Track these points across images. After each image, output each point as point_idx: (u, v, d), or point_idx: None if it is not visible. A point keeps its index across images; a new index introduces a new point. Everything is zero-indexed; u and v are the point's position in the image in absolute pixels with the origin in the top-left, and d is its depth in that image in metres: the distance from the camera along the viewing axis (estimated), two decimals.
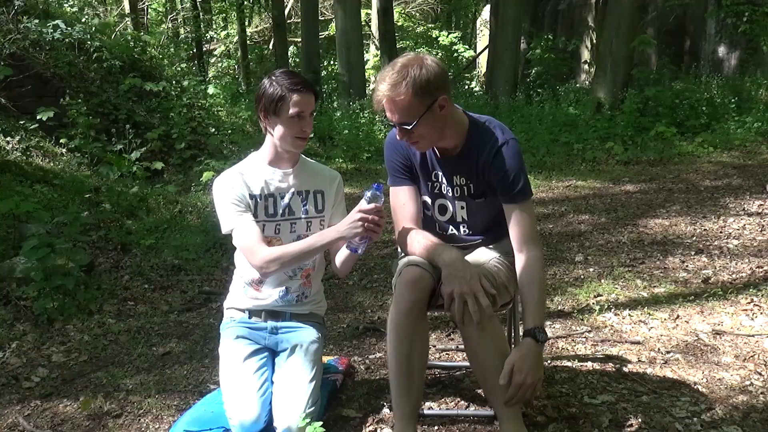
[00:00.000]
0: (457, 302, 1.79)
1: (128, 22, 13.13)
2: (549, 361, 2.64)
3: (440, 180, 2.09)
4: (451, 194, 2.09)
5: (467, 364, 2.65)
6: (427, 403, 2.29)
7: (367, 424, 2.19)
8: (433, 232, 2.08)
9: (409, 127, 1.89)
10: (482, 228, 2.14)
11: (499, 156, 1.96)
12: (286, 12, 17.39)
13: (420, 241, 1.97)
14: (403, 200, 2.09)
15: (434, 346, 2.86)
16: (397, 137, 1.96)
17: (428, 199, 2.15)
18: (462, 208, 2.10)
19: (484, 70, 16.20)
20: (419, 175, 2.12)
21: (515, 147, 1.99)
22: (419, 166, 2.10)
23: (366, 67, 15.82)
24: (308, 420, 2.16)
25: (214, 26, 20.45)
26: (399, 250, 2.22)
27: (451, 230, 2.16)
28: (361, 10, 13.88)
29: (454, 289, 1.79)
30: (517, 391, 1.78)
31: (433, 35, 20.93)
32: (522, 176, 1.97)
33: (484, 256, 2.11)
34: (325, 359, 2.68)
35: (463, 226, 2.14)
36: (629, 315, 3.13)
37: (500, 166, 1.96)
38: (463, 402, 2.35)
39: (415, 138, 1.93)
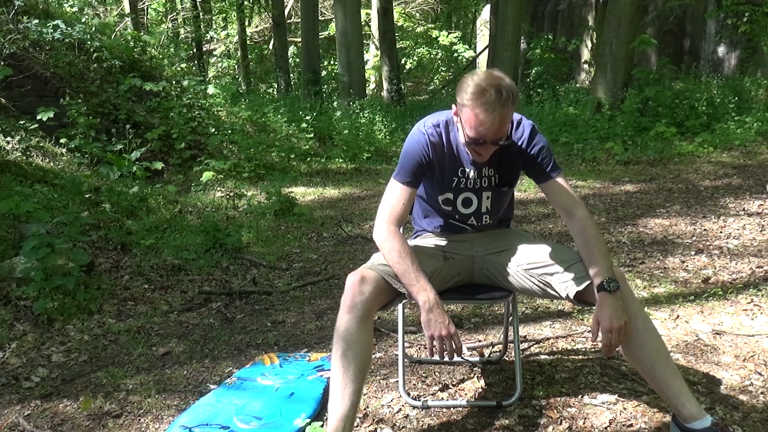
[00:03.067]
0: (438, 345, 1.93)
1: (128, 22, 13.14)
2: (549, 361, 2.64)
3: (468, 175, 2.16)
4: (479, 186, 2.18)
5: (468, 360, 2.65)
6: (430, 395, 2.29)
7: (367, 424, 2.19)
8: (439, 222, 2.26)
9: (505, 141, 2.00)
10: (500, 214, 2.30)
11: (533, 139, 2.11)
12: (286, 12, 17.40)
13: (396, 255, 1.99)
14: (401, 200, 2.11)
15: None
16: (483, 154, 2.01)
17: (450, 195, 2.20)
18: (488, 198, 2.21)
19: (484, 69, 16.17)
20: (437, 175, 2.16)
21: (538, 130, 2.16)
22: (445, 165, 2.15)
23: (366, 67, 15.83)
24: (308, 420, 2.16)
25: (214, 26, 20.46)
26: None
27: (472, 221, 2.24)
28: (361, 10, 13.88)
29: (434, 333, 1.92)
30: (608, 339, 1.88)
31: (433, 35, 20.93)
32: (549, 151, 2.14)
33: (562, 254, 2.13)
34: (319, 356, 2.69)
35: (486, 216, 2.24)
36: None
37: (536, 147, 2.10)
38: (465, 393, 2.37)
39: (492, 151, 2.02)
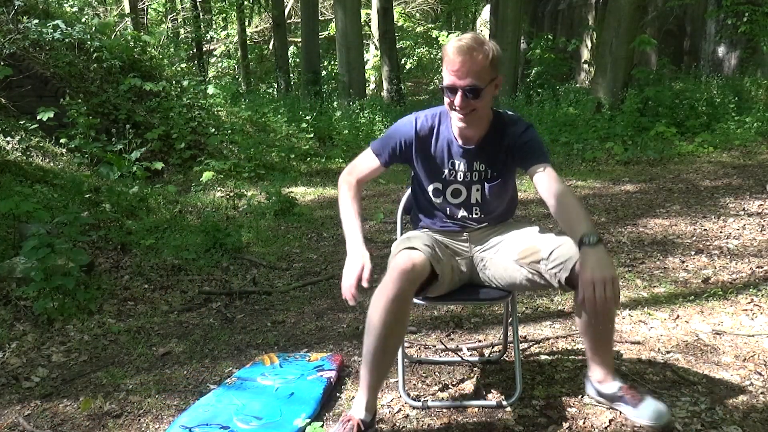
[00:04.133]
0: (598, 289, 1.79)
1: (128, 22, 13.14)
2: (549, 361, 2.64)
3: (457, 168, 2.19)
4: (468, 179, 2.20)
5: (468, 360, 2.65)
6: (430, 395, 2.29)
7: None
8: (438, 219, 2.28)
9: (480, 89, 1.99)
10: (493, 209, 2.27)
11: (527, 134, 2.12)
12: (286, 12, 17.40)
13: (347, 199, 2.23)
14: (366, 164, 2.28)
15: (434, 346, 2.87)
16: (457, 106, 2.03)
17: (439, 185, 2.23)
18: (477, 190, 2.21)
19: None
20: (426, 164, 2.21)
21: (535, 130, 2.19)
22: (436, 154, 2.20)
23: (366, 67, 15.83)
24: (308, 420, 2.16)
25: (214, 26, 20.46)
26: (398, 231, 2.50)
27: (463, 213, 2.25)
28: (361, 10, 13.88)
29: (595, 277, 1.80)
30: (591, 292, 1.78)
31: (433, 35, 20.93)
32: (543, 147, 2.14)
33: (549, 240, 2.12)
34: (318, 356, 2.69)
35: (476, 209, 2.24)
36: (629, 315, 3.13)
37: (528, 140, 2.11)
38: (465, 393, 2.37)
39: (473, 106, 2.02)
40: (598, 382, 2.14)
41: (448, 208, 2.26)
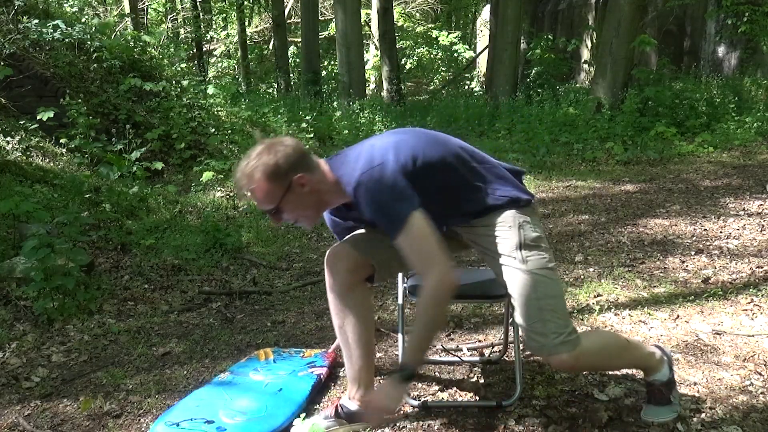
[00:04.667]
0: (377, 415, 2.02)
1: (128, 22, 13.14)
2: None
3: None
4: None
5: (468, 360, 2.65)
6: (430, 395, 2.30)
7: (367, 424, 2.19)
8: None
9: (277, 208, 1.90)
10: (444, 218, 1.97)
11: (358, 204, 1.86)
12: (286, 12, 17.40)
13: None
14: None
15: (435, 346, 2.87)
16: (273, 223, 2.08)
17: None
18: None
19: (484, 70, 16.20)
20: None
21: (369, 181, 1.81)
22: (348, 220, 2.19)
23: (366, 67, 15.83)
24: (302, 415, 2.16)
25: (214, 26, 20.46)
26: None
27: None
28: (361, 10, 13.88)
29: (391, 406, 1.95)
30: (366, 408, 2.04)
31: (433, 35, 20.93)
32: (382, 210, 1.81)
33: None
34: (312, 353, 2.69)
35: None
36: (629, 315, 3.13)
37: (368, 211, 1.84)
38: (465, 393, 2.37)
39: (289, 218, 1.95)
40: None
41: None
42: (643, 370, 2.11)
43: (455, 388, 2.44)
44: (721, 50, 12.18)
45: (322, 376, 2.47)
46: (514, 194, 2.00)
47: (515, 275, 1.91)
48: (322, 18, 18.28)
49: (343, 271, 2.09)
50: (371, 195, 1.81)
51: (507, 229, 1.95)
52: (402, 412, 2.24)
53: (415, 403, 2.29)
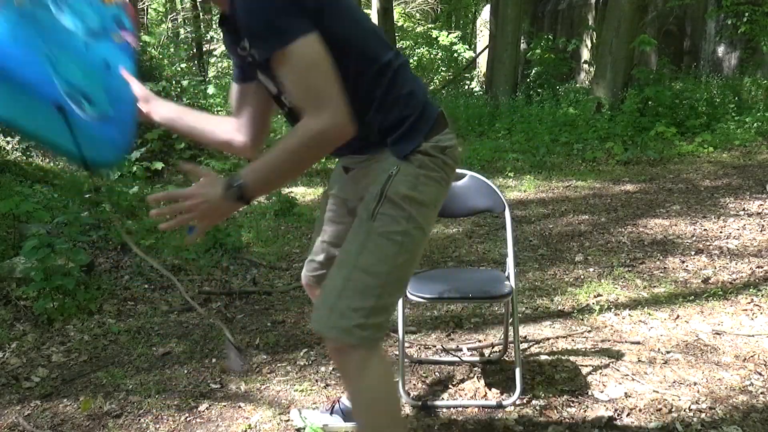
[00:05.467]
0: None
1: None
2: (549, 361, 2.64)
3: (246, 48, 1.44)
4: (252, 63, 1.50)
5: (468, 360, 2.65)
6: (430, 395, 2.30)
7: None
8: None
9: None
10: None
11: (234, 10, 1.35)
12: None
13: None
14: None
15: (435, 346, 2.87)
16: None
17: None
18: (266, 78, 1.54)
19: (484, 70, 16.20)
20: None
21: None
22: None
23: None
24: (308, 420, 2.16)
25: (214, 26, 20.45)
26: None
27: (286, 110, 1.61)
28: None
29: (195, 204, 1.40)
30: (171, 208, 1.41)
31: (433, 35, 20.93)
32: (258, 16, 1.30)
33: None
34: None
35: (284, 99, 1.56)
36: (629, 315, 3.13)
37: (240, 21, 1.34)
38: (465, 393, 2.37)
39: None
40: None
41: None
42: None
43: (455, 388, 2.44)
44: (721, 50, 12.18)
45: (134, 54, 1.77)
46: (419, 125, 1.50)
47: (352, 229, 1.52)
48: None
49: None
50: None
51: (381, 173, 1.49)
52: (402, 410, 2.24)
53: (416, 403, 2.29)
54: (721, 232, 4.54)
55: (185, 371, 2.76)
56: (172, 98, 7.79)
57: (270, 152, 1.42)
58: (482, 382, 2.48)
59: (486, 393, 2.39)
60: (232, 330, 3.27)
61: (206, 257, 4.35)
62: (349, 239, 1.51)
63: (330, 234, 1.80)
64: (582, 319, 3.12)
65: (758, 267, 3.73)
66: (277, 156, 1.41)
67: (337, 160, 1.75)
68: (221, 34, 1.63)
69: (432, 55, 21.01)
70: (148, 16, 18.68)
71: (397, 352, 2.65)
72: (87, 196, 5.13)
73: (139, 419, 2.34)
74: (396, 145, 1.48)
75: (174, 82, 8.36)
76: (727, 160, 7.41)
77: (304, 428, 2.13)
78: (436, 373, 2.58)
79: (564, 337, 2.90)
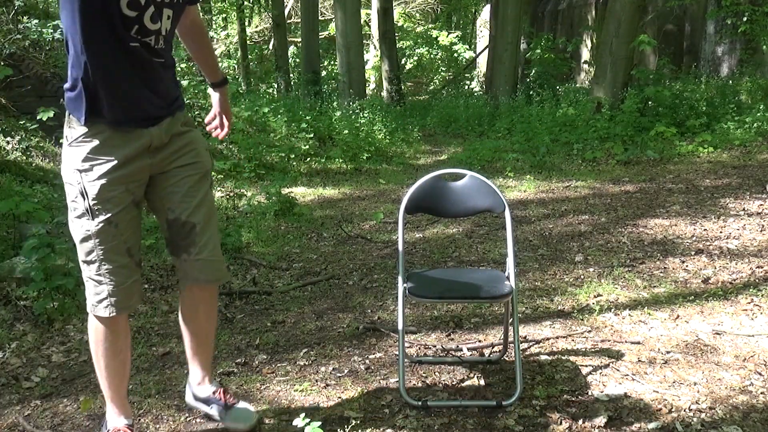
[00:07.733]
0: None
1: None
2: (549, 361, 2.64)
3: None
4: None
5: (468, 360, 2.65)
6: (430, 395, 2.30)
7: (367, 424, 2.19)
8: (115, 52, 1.81)
9: None
10: (170, 57, 2.07)
11: None
12: (286, 12, 17.40)
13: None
14: None
15: (434, 346, 2.87)
16: None
17: (131, 13, 1.75)
18: (168, 18, 1.87)
19: (484, 70, 16.21)
20: None
21: None
22: None
23: (366, 67, 15.83)
24: (307, 420, 2.16)
25: (214, 26, 20.45)
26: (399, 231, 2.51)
27: (150, 39, 1.86)
28: (361, 11, 13.88)
29: None
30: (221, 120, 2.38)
31: (433, 35, 20.94)
32: None
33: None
34: None
35: (162, 39, 1.91)
36: (629, 315, 3.13)
37: None
38: (465, 393, 2.38)
39: None
40: (197, 384, 2.23)
41: (138, 37, 1.84)
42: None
43: (455, 388, 2.44)
44: (721, 50, 12.18)
45: None
46: None
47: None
48: (322, 18, 18.29)
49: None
50: None
51: None
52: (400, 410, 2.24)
53: (415, 403, 2.29)
54: (721, 232, 4.54)
55: (185, 371, 2.75)
56: None
57: (210, 51, 2.34)
58: (482, 382, 2.49)
59: (486, 393, 2.39)
60: (232, 330, 3.27)
61: None
62: (209, 199, 2.07)
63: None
64: (582, 319, 3.12)
65: (758, 267, 3.73)
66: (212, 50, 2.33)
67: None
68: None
69: (432, 55, 21.02)
70: None
71: (397, 352, 2.65)
72: None
73: (139, 419, 2.34)
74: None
75: None
76: (727, 160, 7.41)
77: (303, 428, 2.13)
78: (436, 373, 2.58)
79: (564, 337, 2.91)
